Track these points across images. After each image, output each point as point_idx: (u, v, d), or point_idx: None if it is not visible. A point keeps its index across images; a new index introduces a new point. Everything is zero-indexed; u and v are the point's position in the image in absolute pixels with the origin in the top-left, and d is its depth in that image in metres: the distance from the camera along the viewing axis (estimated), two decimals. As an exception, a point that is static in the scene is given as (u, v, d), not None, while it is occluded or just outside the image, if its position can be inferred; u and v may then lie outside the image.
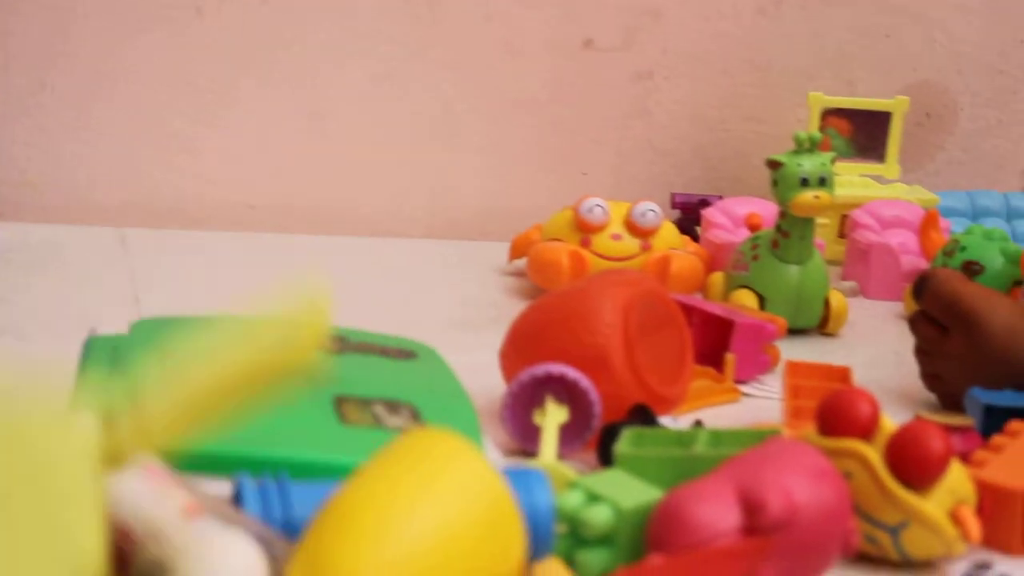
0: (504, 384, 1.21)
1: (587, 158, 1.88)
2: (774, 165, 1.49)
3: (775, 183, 1.49)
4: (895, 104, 1.83)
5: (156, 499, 0.80)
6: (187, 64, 1.75)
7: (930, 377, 1.33)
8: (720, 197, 1.80)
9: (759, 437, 1.05)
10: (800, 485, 0.95)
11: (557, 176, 1.86)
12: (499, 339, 1.23)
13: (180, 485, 0.82)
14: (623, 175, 1.89)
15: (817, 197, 1.47)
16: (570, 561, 0.96)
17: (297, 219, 1.79)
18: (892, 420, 1.04)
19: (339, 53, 1.78)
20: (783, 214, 1.50)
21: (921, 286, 1.32)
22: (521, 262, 1.65)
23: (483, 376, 1.22)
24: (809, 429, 1.05)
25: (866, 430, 1.02)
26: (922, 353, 1.33)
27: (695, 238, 1.72)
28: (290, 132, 1.79)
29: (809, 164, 1.48)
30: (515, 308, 1.26)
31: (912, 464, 1.00)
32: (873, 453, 1.01)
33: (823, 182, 1.48)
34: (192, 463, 0.90)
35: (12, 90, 1.70)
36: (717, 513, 0.94)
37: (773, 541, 0.93)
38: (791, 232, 1.50)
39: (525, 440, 1.15)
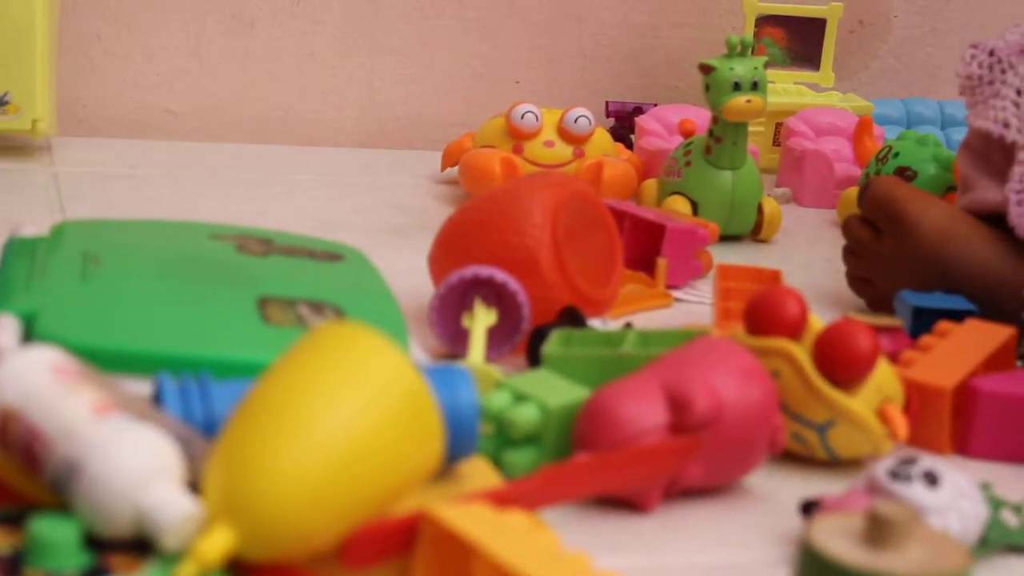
0: (434, 289, 1.19)
1: (519, 66, 1.86)
2: (706, 69, 1.48)
3: (707, 88, 1.48)
4: (830, 11, 1.82)
5: (66, 398, 0.79)
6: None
7: (858, 280, 1.33)
8: (654, 105, 1.79)
9: (687, 337, 1.05)
10: (727, 383, 0.95)
11: (489, 84, 1.84)
12: (430, 244, 1.21)
13: (93, 383, 0.81)
14: (555, 83, 1.87)
15: (749, 101, 1.46)
16: (497, 461, 0.95)
17: (222, 127, 1.77)
18: (821, 320, 1.04)
19: (266, -43, 1.76)
20: (715, 119, 1.49)
21: (862, 192, 1.32)
22: (454, 170, 1.63)
23: (413, 281, 1.21)
24: (737, 329, 1.05)
25: (794, 329, 1.02)
26: (852, 255, 1.33)
27: (629, 145, 1.71)
28: (214, 38, 1.76)
29: (741, 68, 1.47)
30: (447, 214, 1.24)
31: (839, 362, 1.00)
32: (800, 351, 1.00)
33: (755, 86, 1.47)
34: (114, 362, 0.89)
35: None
36: (643, 410, 0.93)
37: (700, 439, 0.93)
38: (724, 137, 1.49)
39: (454, 344, 1.14)
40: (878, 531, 0.84)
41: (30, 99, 1.55)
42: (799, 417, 1.00)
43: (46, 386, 0.79)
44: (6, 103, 1.53)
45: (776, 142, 1.78)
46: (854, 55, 1.95)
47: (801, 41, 1.85)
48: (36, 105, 1.55)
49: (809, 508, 0.92)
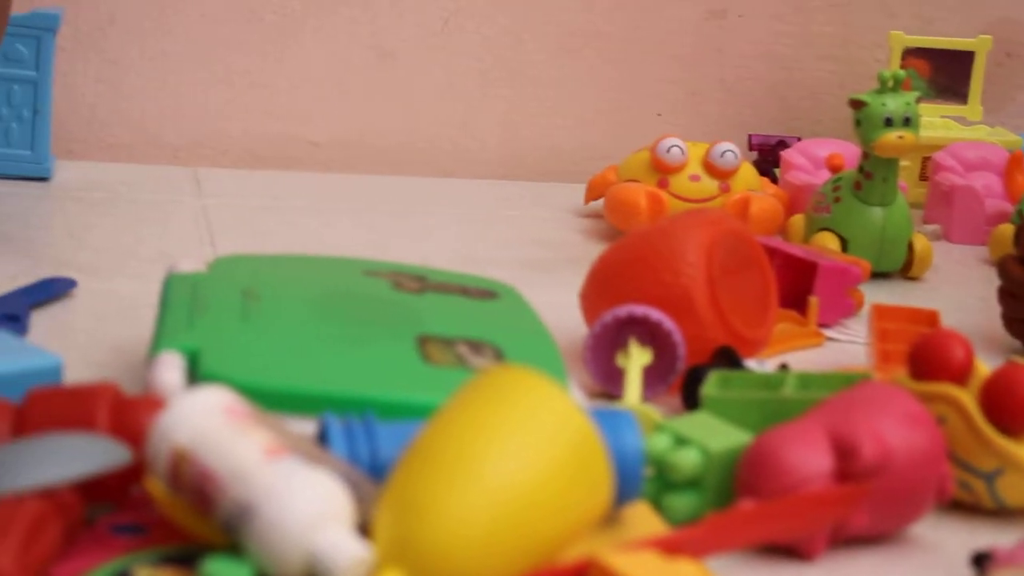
0: (583, 325, 1.19)
1: (660, 98, 1.85)
2: (857, 105, 1.46)
3: (858, 123, 1.46)
4: (978, 43, 1.80)
5: (238, 440, 0.79)
6: (255, -1, 1.73)
7: (1017, 322, 1.31)
8: (798, 138, 1.77)
9: (849, 381, 1.03)
10: (893, 429, 0.93)
11: (630, 116, 1.84)
12: (577, 279, 1.21)
13: (263, 425, 0.81)
14: (696, 115, 1.86)
15: (901, 137, 1.44)
16: (657, 505, 0.94)
17: (364, 158, 1.78)
18: (985, 365, 1.02)
19: (408, -10, 1.77)
20: (866, 155, 1.47)
21: (1019, 232, 1.30)
22: (596, 203, 1.63)
23: (562, 317, 1.21)
24: (900, 373, 1.03)
25: (960, 374, 1.00)
26: (1009, 296, 1.30)
27: (773, 179, 1.69)
28: (358, 70, 1.77)
29: (893, 103, 1.45)
30: (592, 249, 1.24)
31: (1008, 409, 0.97)
32: (967, 397, 0.98)
33: (907, 122, 1.45)
34: (278, 402, 0.89)
35: (81, 25, 1.69)
36: (809, 457, 0.92)
37: (866, 486, 0.91)
38: (874, 173, 1.47)
39: (607, 382, 1.13)
40: (1060, 588, 0.82)
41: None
42: (966, 465, 0.98)
43: (218, 428, 0.79)
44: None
45: (923, 177, 1.75)
46: (1000, 88, 1.92)
47: (946, 74, 1.82)
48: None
49: (981, 560, 0.89)
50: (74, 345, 1.13)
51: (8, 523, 0.76)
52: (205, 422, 0.80)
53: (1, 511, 0.76)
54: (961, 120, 1.81)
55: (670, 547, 0.82)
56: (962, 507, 1.00)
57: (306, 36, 1.75)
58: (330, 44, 1.75)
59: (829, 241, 1.48)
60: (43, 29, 1.57)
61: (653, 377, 1.12)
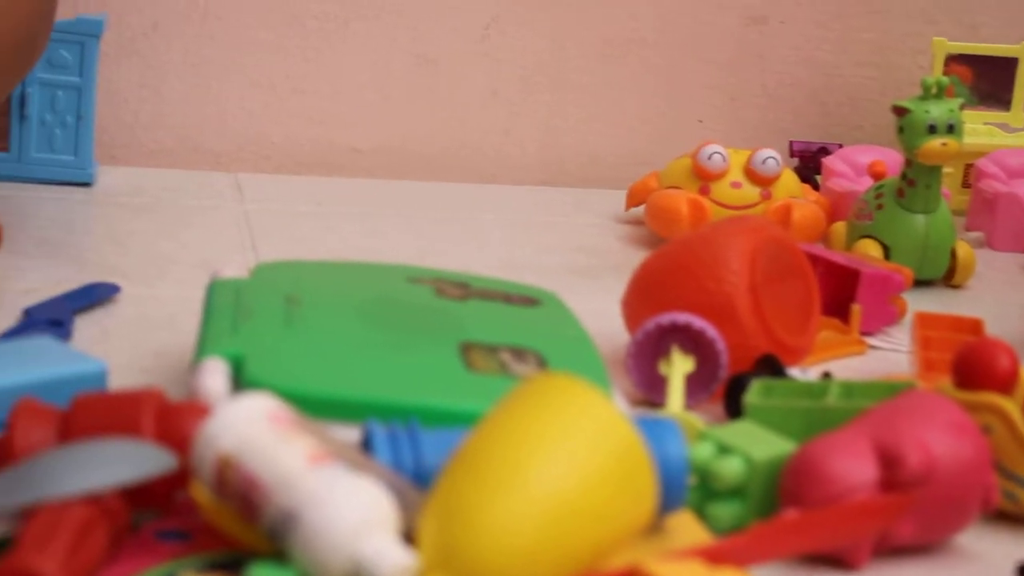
0: (625, 332, 1.19)
1: (701, 104, 1.85)
2: (900, 112, 1.46)
3: (901, 130, 1.46)
4: (1021, 49, 1.79)
5: (282, 447, 0.79)
6: (297, 4, 1.73)
7: (1061, 330, 1.30)
8: (839, 145, 1.77)
9: (893, 389, 1.03)
10: (938, 439, 0.93)
11: (671, 122, 1.84)
12: (619, 286, 1.21)
13: (307, 432, 0.81)
14: (737, 121, 1.86)
15: (945, 144, 1.44)
16: (701, 513, 0.94)
17: (406, 164, 1.78)
18: (1031, 373, 1.01)
19: (450, -4, 1.77)
20: (909, 162, 1.47)
21: None
22: (638, 210, 1.63)
23: (604, 324, 1.21)
24: (944, 381, 1.02)
25: (1005, 383, 0.99)
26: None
27: (815, 186, 1.69)
28: (400, 76, 1.77)
29: (937, 110, 1.45)
30: (633, 255, 1.23)
31: (1054, 419, 0.97)
32: (1013, 407, 0.98)
33: (951, 129, 1.44)
34: (322, 408, 0.90)
35: (124, 30, 1.70)
36: (853, 466, 0.91)
37: (911, 496, 0.91)
38: (918, 180, 1.46)
39: (650, 390, 1.13)
40: (1107, 600, 0.81)
41: None
42: (1011, 475, 0.98)
43: (262, 435, 0.80)
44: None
45: (966, 184, 1.75)
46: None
47: (989, 80, 1.81)
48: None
49: (1027, 571, 0.89)
50: (118, 350, 1.14)
51: (54, 528, 0.76)
52: (250, 429, 0.80)
53: (47, 517, 0.77)
54: (1004, 127, 1.80)
55: (714, 556, 0.82)
56: (1007, 517, 0.99)
57: (348, 42, 1.75)
58: (372, 50, 1.76)
59: (871, 248, 1.47)
60: (87, 35, 1.58)
61: (696, 385, 1.12)
